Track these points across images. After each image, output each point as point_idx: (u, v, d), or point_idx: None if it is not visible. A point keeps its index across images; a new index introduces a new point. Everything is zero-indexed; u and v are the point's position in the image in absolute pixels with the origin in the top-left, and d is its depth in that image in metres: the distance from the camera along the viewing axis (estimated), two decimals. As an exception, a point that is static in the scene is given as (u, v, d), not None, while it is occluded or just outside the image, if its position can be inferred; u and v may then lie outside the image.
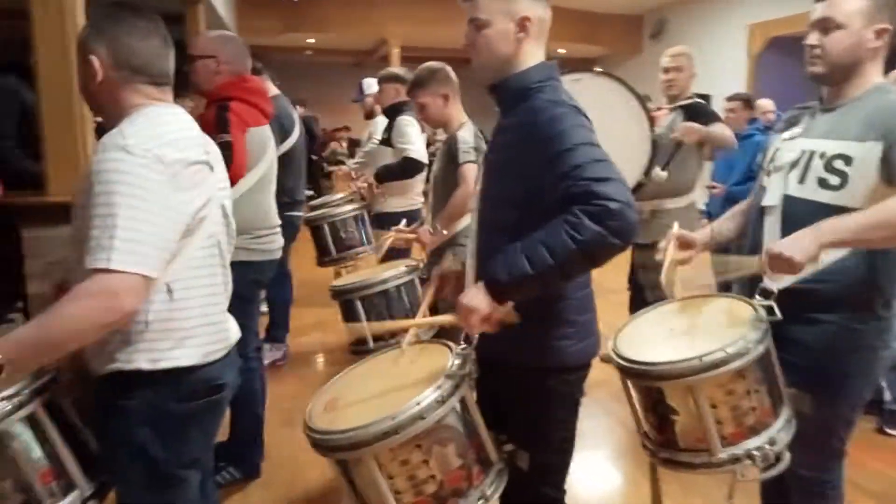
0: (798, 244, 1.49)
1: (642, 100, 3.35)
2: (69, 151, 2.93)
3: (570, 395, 1.62)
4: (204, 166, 1.47)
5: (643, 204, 3.38)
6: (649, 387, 1.61)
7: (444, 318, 1.54)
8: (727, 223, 1.97)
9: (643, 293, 3.39)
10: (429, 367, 1.52)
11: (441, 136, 3.55)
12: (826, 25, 1.66)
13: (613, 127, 3.31)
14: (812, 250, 1.48)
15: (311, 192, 7.26)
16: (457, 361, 1.47)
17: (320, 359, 4.22)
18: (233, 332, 1.62)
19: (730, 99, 4.67)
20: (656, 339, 1.73)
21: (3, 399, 1.37)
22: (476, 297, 1.40)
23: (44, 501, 1.42)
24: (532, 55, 1.53)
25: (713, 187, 4.45)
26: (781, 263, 1.50)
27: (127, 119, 1.41)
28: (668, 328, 1.77)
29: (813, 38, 1.69)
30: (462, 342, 1.51)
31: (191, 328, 1.47)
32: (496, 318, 1.43)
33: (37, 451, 1.43)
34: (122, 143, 1.33)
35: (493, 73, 1.56)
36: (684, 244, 1.88)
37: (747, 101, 4.62)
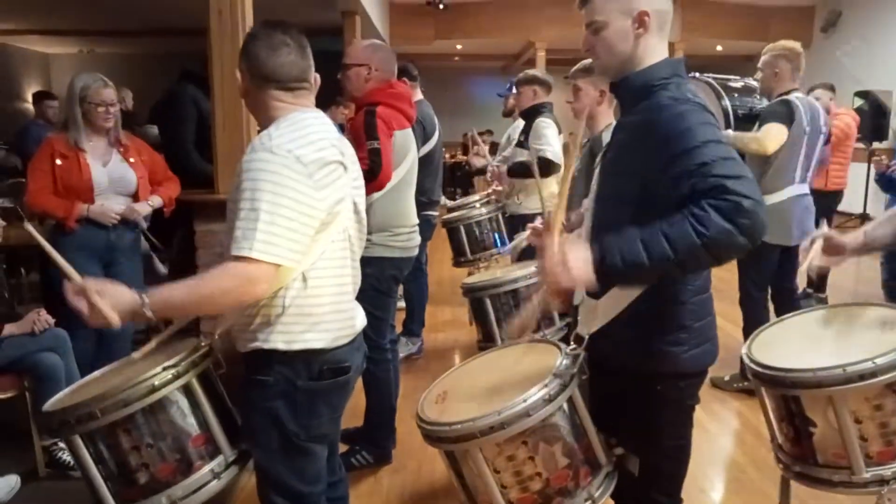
0: None
1: (724, 107, 3.50)
2: (236, 154, 3.22)
3: (681, 402, 1.54)
4: (339, 166, 1.59)
5: None
6: (784, 395, 1.51)
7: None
8: (883, 227, 1.78)
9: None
10: (538, 365, 1.52)
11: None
12: None
13: None
14: None
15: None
16: (566, 361, 1.46)
17: (453, 355, 4.31)
18: (359, 320, 1.73)
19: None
20: (797, 345, 1.62)
21: (164, 369, 1.56)
22: (580, 264, 1.31)
23: (194, 462, 1.60)
24: (654, 50, 1.48)
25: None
26: None
27: (274, 123, 1.57)
28: (810, 335, 1.65)
29: None
30: (573, 342, 1.50)
31: (321, 314, 1.58)
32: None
33: (190, 417, 1.61)
34: (269, 145, 1.48)
35: (615, 73, 1.52)
36: (832, 248, 1.73)
37: None
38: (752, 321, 3.40)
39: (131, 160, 3.01)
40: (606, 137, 2.70)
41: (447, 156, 12.47)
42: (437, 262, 6.12)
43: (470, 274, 4.07)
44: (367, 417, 2.85)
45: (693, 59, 11.42)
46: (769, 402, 1.58)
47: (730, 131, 3.37)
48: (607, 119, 2.75)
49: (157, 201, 3.09)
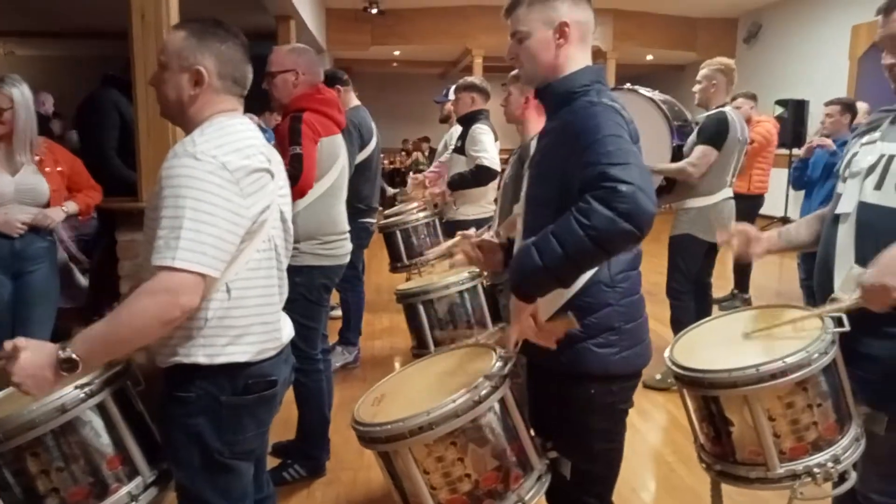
0: (890, 269, 1.40)
1: (666, 114, 3.67)
2: (161, 161, 3.12)
3: (614, 406, 1.57)
4: (265, 174, 1.54)
5: (670, 202, 3.74)
6: (704, 395, 1.55)
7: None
8: (801, 228, 1.87)
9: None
10: (475, 368, 1.52)
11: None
12: None
13: (644, 138, 3.48)
14: None
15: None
16: (498, 363, 1.46)
17: (391, 363, 4.28)
18: (286, 331, 1.68)
19: (828, 104, 4.43)
20: (715, 346, 1.67)
21: (76, 387, 1.48)
22: (515, 305, 1.42)
23: (110, 485, 1.52)
24: (575, 59, 1.53)
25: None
26: (879, 294, 1.41)
27: (198, 129, 1.50)
28: (729, 336, 1.70)
29: (889, 58, 1.58)
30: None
31: (245, 326, 1.53)
32: (549, 326, 1.42)
33: (105, 438, 1.52)
34: (192, 151, 1.42)
35: (539, 81, 1.57)
36: (748, 240, 1.81)
37: (847, 106, 4.35)
38: (679, 312, 3.70)
39: (46, 170, 2.86)
40: (535, 145, 2.75)
41: (385, 162, 12.44)
42: (376, 270, 6.09)
43: (407, 279, 4.06)
44: (300, 429, 2.80)
45: (625, 68, 11.79)
46: (691, 403, 1.63)
47: (658, 164, 3.58)
48: (537, 126, 2.78)
49: (72, 207, 2.95)
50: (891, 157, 1.58)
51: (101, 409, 1.53)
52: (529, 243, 1.37)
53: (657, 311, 4.30)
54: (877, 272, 1.41)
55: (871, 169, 1.62)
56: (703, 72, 3.66)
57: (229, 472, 1.58)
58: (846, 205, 1.65)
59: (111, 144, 3.65)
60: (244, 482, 1.63)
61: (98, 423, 1.52)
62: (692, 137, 3.65)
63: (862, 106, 4.91)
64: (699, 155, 3.52)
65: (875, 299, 1.43)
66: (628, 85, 3.94)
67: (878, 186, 1.59)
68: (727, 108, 3.63)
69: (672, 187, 3.69)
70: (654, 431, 3.30)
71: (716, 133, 3.53)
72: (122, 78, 3.53)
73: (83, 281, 3.73)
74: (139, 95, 3.07)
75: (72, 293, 3.53)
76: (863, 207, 1.61)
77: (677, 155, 3.69)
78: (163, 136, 3.06)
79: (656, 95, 3.91)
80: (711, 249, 3.69)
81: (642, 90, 4.02)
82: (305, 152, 2.46)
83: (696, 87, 3.69)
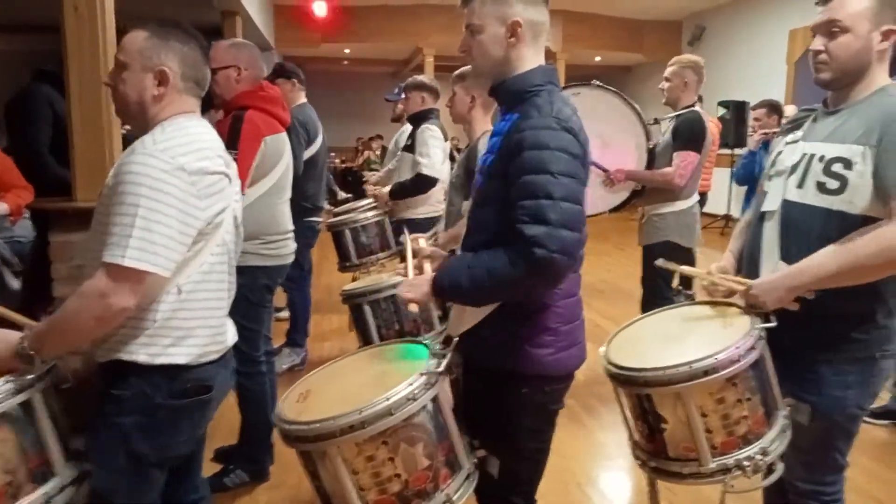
0: (772, 292, 1.57)
1: (638, 111, 3.47)
2: (96, 159, 3.01)
3: (545, 406, 1.58)
4: (223, 177, 1.55)
5: (642, 208, 3.55)
6: (638, 394, 1.57)
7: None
8: (738, 242, 1.89)
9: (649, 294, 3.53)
10: (406, 364, 1.51)
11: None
12: (831, 29, 1.58)
13: (612, 137, 3.39)
14: (785, 299, 1.56)
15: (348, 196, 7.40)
16: (433, 361, 1.45)
17: (340, 365, 4.23)
18: (230, 335, 1.67)
19: (755, 107, 4.56)
20: (649, 344, 1.69)
21: (6, 381, 1.41)
22: (420, 285, 1.53)
23: (24, 486, 1.45)
24: (528, 59, 1.53)
25: None
26: (757, 304, 1.60)
27: (158, 127, 1.50)
28: (662, 334, 1.73)
29: (818, 43, 1.61)
30: (441, 343, 1.51)
31: (190, 329, 1.52)
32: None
33: (27, 436, 1.46)
34: (151, 149, 1.43)
35: (490, 77, 1.57)
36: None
37: (772, 107, 4.49)
38: None
39: (-28, 166, 2.75)
40: (482, 144, 2.75)
41: (338, 160, 12.33)
42: (327, 271, 6.02)
43: (354, 279, 4.02)
44: (242, 433, 2.74)
45: (574, 69, 11.94)
46: (625, 401, 1.64)
47: (643, 172, 3.42)
48: (483, 126, 2.80)
49: (2, 208, 2.83)
50: (811, 156, 1.64)
51: (26, 406, 1.46)
52: (467, 261, 1.47)
53: (605, 308, 4.37)
54: (761, 283, 1.61)
55: (794, 168, 1.67)
56: (671, 69, 3.43)
57: (148, 478, 1.56)
58: (771, 203, 1.70)
59: (44, 142, 3.51)
60: (156, 492, 1.61)
61: (22, 420, 1.46)
62: (667, 138, 3.44)
63: (790, 109, 5.09)
64: (684, 162, 3.29)
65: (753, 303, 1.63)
66: (595, 81, 3.86)
67: (800, 185, 1.64)
68: (698, 108, 3.41)
69: (643, 189, 3.48)
70: (600, 427, 3.34)
71: (695, 135, 3.32)
72: (55, 73, 3.41)
73: (15, 284, 3.58)
74: (73, 92, 2.96)
75: (3, 296, 3.39)
76: (786, 205, 1.66)
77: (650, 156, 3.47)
78: (97, 133, 2.96)
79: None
80: (687, 253, 3.45)
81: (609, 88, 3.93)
82: (241, 156, 2.39)
83: (665, 85, 3.45)
